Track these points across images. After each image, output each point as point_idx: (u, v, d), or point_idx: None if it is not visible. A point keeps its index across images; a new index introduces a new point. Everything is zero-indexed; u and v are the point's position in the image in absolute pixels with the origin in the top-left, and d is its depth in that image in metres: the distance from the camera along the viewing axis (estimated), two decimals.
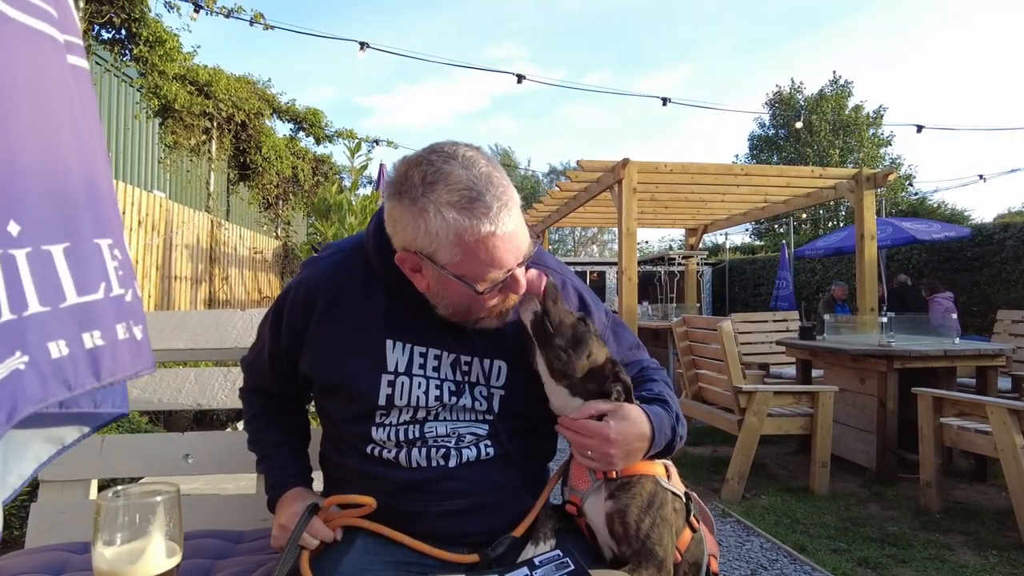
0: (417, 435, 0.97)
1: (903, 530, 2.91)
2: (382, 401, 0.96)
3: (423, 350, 0.99)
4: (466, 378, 1.00)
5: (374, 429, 0.98)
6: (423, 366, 0.98)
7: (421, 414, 0.98)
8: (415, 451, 0.97)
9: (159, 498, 0.70)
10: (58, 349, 0.60)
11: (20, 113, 0.60)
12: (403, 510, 0.96)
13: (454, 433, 0.98)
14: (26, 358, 0.57)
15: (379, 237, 0.96)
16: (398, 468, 0.97)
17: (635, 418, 0.94)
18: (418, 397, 0.97)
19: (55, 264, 0.62)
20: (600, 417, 0.93)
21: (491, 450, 0.99)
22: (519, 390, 1.01)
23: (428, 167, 0.84)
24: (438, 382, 0.98)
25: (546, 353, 0.95)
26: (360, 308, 0.99)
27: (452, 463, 0.97)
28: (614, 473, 0.94)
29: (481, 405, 1.00)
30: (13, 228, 0.59)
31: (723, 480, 3.47)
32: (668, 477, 0.99)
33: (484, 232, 0.83)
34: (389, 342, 0.98)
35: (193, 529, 1.19)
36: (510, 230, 0.85)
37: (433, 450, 0.97)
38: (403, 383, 0.97)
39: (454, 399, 0.98)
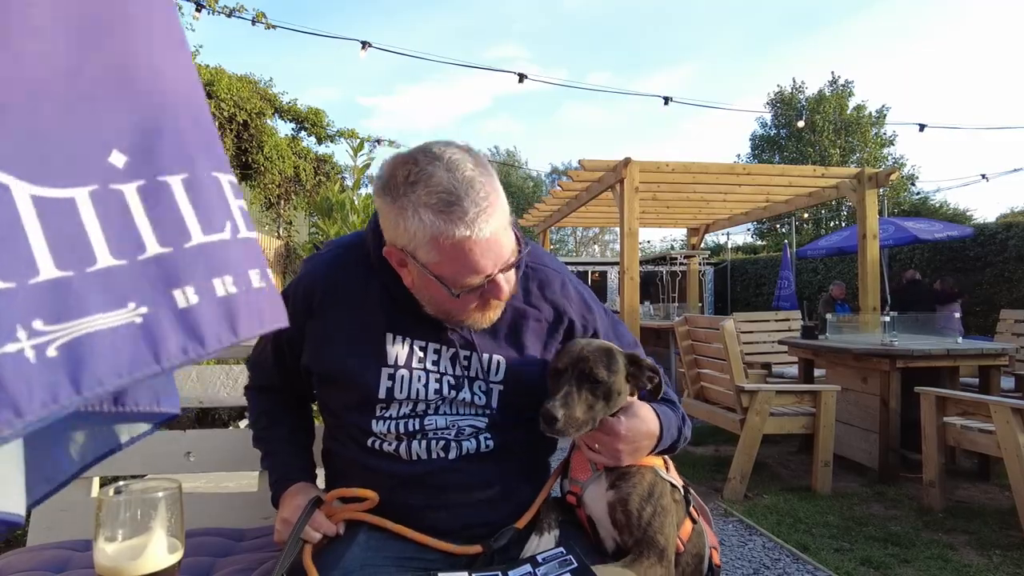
0: (417, 428, 0.98)
1: (906, 529, 2.90)
2: (382, 394, 0.97)
3: (423, 344, 1.00)
4: (465, 372, 1.00)
5: (374, 422, 0.98)
6: (423, 360, 0.99)
7: (421, 407, 0.99)
8: (415, 443, 0.97)
9: (161, 494, 0.70)
10: (185, 297, 0.48)
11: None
12: (404, 504, 0.97)
13: (453, 426, 0.99)
14: (144, 309, 0.46)
15: (377, 235, 0.97)
16: (398, 461, 0.97)
17: (645, 416, 0.96)
18: (418, 390, 0.97)
19: (175, 197, 0.50)
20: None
21: (491, 442, 0.99)
22: (518, 386, 1.01)
23: (413, 166, 0.85)
24: (438, 376, 0.99)
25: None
26: (359, 302, 1.00)
27: (452, 455, 0.97)
28: None
29: (480, 400, 1.00)
30: (117, 159, 0.47)
31: (725, 479, 3.46)
32: (667, 469, 1.01)
33: (459, 236, 0.83)
34: (389, 335, 0.99)
35: (194, 527, 1.19)
36: (487, 236, 0.84)
37: (433, 442, 0.97)
38: (403, 376, 0.97)
39: (453, 393, 0.99)
